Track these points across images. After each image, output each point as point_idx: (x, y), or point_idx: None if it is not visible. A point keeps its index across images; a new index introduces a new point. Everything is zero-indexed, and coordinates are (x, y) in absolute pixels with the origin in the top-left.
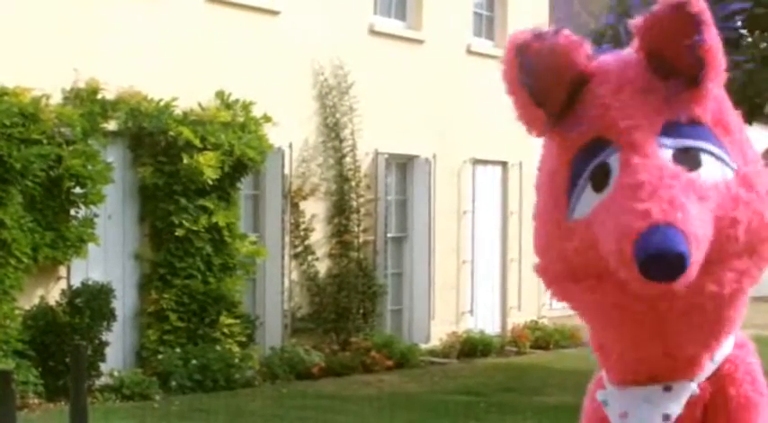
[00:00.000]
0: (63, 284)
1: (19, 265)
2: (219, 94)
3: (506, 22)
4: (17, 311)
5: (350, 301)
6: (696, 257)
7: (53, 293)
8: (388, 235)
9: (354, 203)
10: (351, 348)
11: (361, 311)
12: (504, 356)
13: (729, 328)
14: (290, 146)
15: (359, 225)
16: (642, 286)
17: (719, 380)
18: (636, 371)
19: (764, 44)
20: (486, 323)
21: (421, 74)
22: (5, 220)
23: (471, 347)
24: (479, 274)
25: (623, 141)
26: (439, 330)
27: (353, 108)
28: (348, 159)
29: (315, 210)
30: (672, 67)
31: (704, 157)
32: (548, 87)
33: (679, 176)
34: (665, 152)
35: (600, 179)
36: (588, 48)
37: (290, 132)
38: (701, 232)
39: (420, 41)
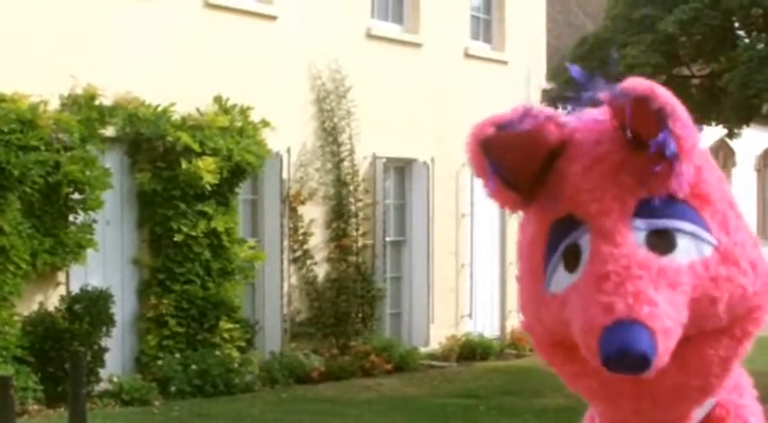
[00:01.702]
0: (62, 290)
1: (18, 272)
2: (217, 100)
3: (504, 24)
4: (16, 317)
5: (349, 306)
6: (665, 347)
7: (52, 299)
8: (387, 239)
9: (353, 207)
10: (350, 352)
11: (361, 315)
12: (504, 359)
13: (716, 390)
14: (288, 150)
15: (357, 229)
16: (611, 375)
17: None
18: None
19: (762, 45)
20: (486, 326)
21: (419, 77)
22: (4, 227)
23: (471, 351)
24: (478, 277)
25: (594, 225)
26: (438, 334)
27: (351, 112)
28: (346, 163)
29: (313, 214)
30: (644, 143)
31: (680, 238)
32: (518, 170)
33: (649, 266)
34: (637, 235)
35: (571, 259)
36: (558, 119)
37: (288, 137)
38: (670, 323)
39: (417, 45)
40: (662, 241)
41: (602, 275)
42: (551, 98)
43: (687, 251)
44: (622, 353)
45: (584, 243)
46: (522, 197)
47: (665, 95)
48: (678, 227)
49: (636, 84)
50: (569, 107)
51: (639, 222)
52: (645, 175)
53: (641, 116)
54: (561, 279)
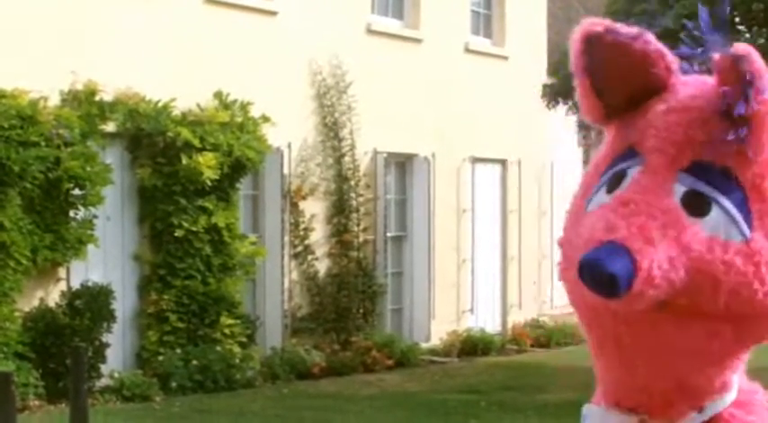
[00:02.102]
0: (62, 286)
1: (18, 267)
2: (218, 95)
3: (504, 20)
4: (17, 313)
5: (350, 301)
6: (642, 290)
7: (53, 295)
8: (388, 234)
9: (354, 203)
10: (351, 348)
11: (362, 311)
12: (505, 355)
13: (706, 382)
14: (289, 146)
15: (358, 224)
16: (585, 290)
17: None
18: (615, 395)
19: (762, 40)
20: (487, 322)
21: (419, 73)
22: (4, 223)
23: (472, 346)
24: (479, 272)
25: (647, 160)
26: (439, 329)
27: (352, 107)
28: (347, 159)
29: (314, 209)
30: (734, 113)
31: (714, 209)
32: (613, 84)
33: (669, 212)
34: (677, 188)
35: (614, 184)
36: (670, 60)
37: (289, 132)
38: (658, 272)
39: (418, 40)
40: (696, 203)
41: (624, 199)
42: (550, 94)
43: (714, 224)
44: (594, 266)
45: (631, 172)
46: (605, 111)
47: (759, 64)
48: (718, 199)
49: (739, 46)
50: (693, 57)
51: (686, 178)
52: (717, 140)
53: (732, 77)
54: (598, 200)
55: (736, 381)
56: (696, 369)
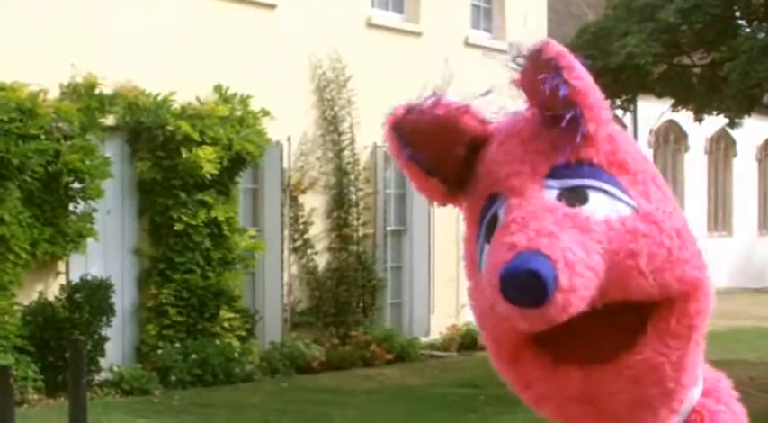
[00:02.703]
0: (62, 280)
1: (18, 261)
2: (217, 89)
3: (504, 13)
4: (16, 307)
5: (349, 295)
6: (571, 282)
7: (52, 289)
8: (388, 228)
9: (353, 197)
10: (351, 342)
11: (361, 305)
12: None
13: (681, 388)
14: (289, 139)
15: (358, 218)
16: (515, 316)
17: None
18: None
19: (762, 35)
20: None
21: (419, 66)
22: (4, 216)
23: (471, 340)
24: None
25: (507, 188)
26: (439, 324)
27: (352, 101)
28: (347, 153)
29: (314, 203)
30: (554, 116)
31: (592, 194)
32: (437, 157)
33: (555, 209)
34: (548, 193)
35: (491, 230)
36: (476, 113)
37: (289, 126)
38: (573, 257)
39: (418, 34)
40: (573, 197)
41: (508, 221)
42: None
43: (601, 206)
44: (514, 271)
45: (501, 210)
46: (446, 187)
47: (557, 48)
48: (591, 184)
49: (532, 43)
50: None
51: (552, 182)
52: (557, 143)
53: (538, 74)
54: (486, 251)
55: (700, 370)
56: (677, 388)
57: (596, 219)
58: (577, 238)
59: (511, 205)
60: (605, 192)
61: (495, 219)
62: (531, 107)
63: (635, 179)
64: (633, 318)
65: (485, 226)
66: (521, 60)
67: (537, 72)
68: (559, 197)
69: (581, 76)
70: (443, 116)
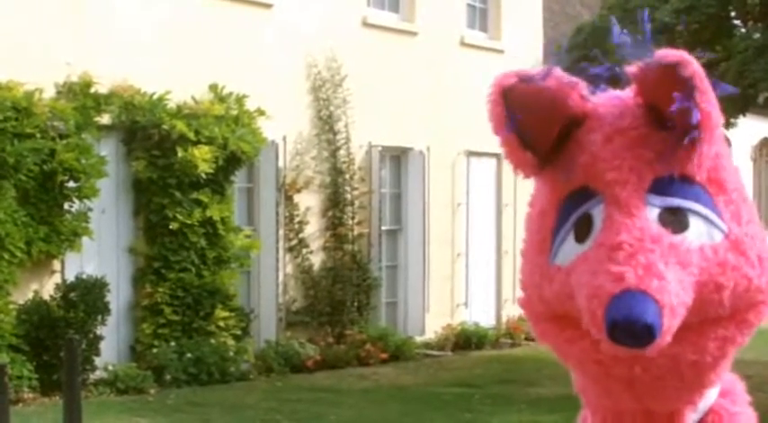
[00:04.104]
0: (57, 278)
1: (13, 260)
2: (213, 88)
3: (500, 13)
4: (11, 306)
5: (344, 294)
6: (669, 325)
7: (47, 287)
8: (383, 228)
9: (349, 196)
10: (346, 341)
11: (356, 304)
12: (499, 348)
13: (711, 385)
14: (284, 139)
15: (353, 218)
16: (611, 348)
17: None
18: (615, 421)
19: (758, 35)
20: (481, 315)
21: (415, 66)
22: None
23: (466, 340)
24: (474, 266)
25: (609, 195)
26: (434, 323)
27: (347, 100)
28: (342, 152)
29: (309, 202)
30: (667, 121)
31: (692, 219)
32: (536, 131)
33: (661, 240)
34: (651, 211)
35: (582, 230)
36: (582, 88)
37: (284, 125)
38: (677, 300)
39: (413, 33)
40: (675, 219)
41: (614, 245)
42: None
43: (699, 233)
44: (629, 321)
45: (597, 213)
46: (537, 161)
47: (695, 66)
48: (692, 208)
49: (667, 52)
50: (598, 76)
51: (654, 198)
52: (665, 151)
53: (668, 85)
54: (569, 250)
55: None
56: (710, 377)
57: (693, 248)
58: (679, 277)
59: (615, 222)
60: (704, 217)
61: (588, 218)
62: (638, 97)
63: (730, 199)
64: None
65: (573, 221)
66: (647, 58)
67: (668, 84)
68: (661, 217)
69: (711, 101)
70: (553, 89)
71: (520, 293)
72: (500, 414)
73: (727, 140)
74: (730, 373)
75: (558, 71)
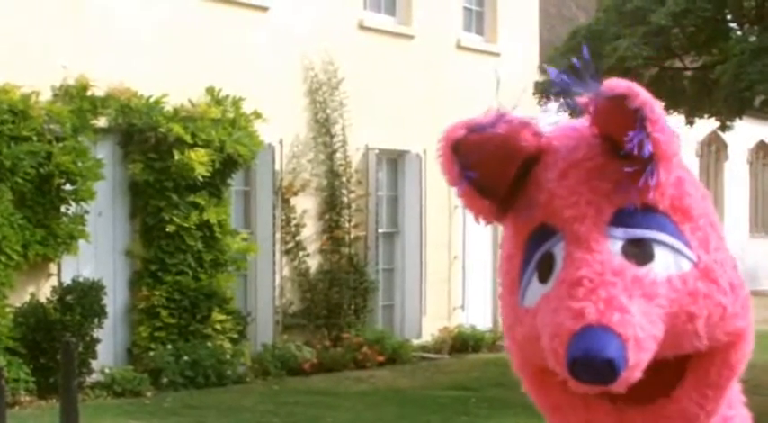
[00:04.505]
0: (54, 281)
1: (9, 263)
2: (210, 91)
3: (496, 16)
4: (8, 309)
5: (341, 297)
6: (636, 359)
7: (44, 290)
8: (380, 231)
9: (345, 199)
10: (342, 344)
11: (353, 307)
12: (496, 351)
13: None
14: (281, 142)
15: (350, 221)
16: (575, 386)
17: None
18: None
19: (754, 38)
20: (478, 318)
21: (411, 69)
22: None
23: (463, 343)
24: (471, 269)
25: (568, 232)
26: (430, 326)
27: (344, 104)
28: (339, 155)
29: (306, 205)
30: (623, 150)
31: (658, 250)
32: (492, 177)
33: (623, 273)
34: (613, 244)
35: (545, 269)
36: (535, 126)
37: (281, 128)
38: (643, 333)
39: (410, 37)
40: (639, 251)
41: (573, 281)
42: (541, 92)
43: (665, 264)
44: (589, 357)
45: (558, 251)
46: (496, 206)
47: (644, 96)
48: (657, 238)
49: (615, 83)
50: (555, 108)
51: (616, 231)
52: (623, 181)
53: (619, 117)
54: (535, 291)
55: None
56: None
57: (660, 279)
58: (645, 309)
59: (575, 258)
60: (670, 247)
61: (550, 257)
62: (593, 127)
63: (696, 225)
64: (673, 364)
65: (536, 261)
66: (596, 93)
67: (619, 114)
68: (624, 250)
69: (664, 129)
70: (504, 134)
71: (505, 340)
72: (496, 417)
73: (723, 143)
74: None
75: (509, 114)
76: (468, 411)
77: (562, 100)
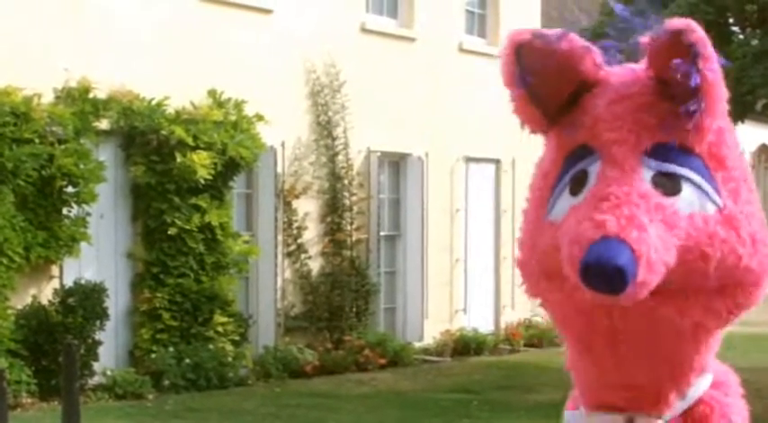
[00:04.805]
0: (55, 284)
1: (11, 265)
2: (212, 93)
3: (498, 19)
4: (10, 311)
5: (343, 300)
6: (645, 278)
7: (46, 293)
8: (381, 233)
9: (347, 202)
10: (344, 347)
11: (355, 310)
12: (498, 354)
13: (693, 365)
14: (283, 144)
15: (352, 223)
16: (586, 292)
17: (693, 422)
18: (600, 397)
19: (756, 41)
20: (480, 321)
21: (413, 72)
22: None
23: (465, 346)
24: (472, 272)
25: (606, 153)
26: (432, 329)
27: (346, 106)
28: (341, 157)
29: (307, 208)
30: (675, 93)
31: (685, 186)
32: (547, 89)
33: (648, 197)
34: (645, 172)
35: (577, 184)
36: (596, 55)
37: (283, 131)
38: (656, 255)
39: (412, 39)
40: (668, 184)
41: (602, 195)
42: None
43: (690, 201)
44: (601, 263)
45: (593, 169)
46: (545, 118)
47: (700, 33)
48: (688, 176)
49: (674, 21)
50: (612, 49)
51: (650, 161)
52: (668, 119)
53: (675, 55)
54: (564, 204)
55: (711, 361)
56: (690, 352)
57: (683, 213)
58: (662, 234)
59: (607, 176)
60: (698, 186)
61: (584, 174)
62: (649, 69)
63: (729, 176)
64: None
65: (570, 177)
66: (656, 29)
67: (672, 51)
68: (654, 180)
69: (714, 69)
70: (567, 51)
71: (518, 254)
72: (498, 420)
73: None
74: (722, 364)
75: (573, 35)
76: (469, 414)
77: (619, 41)
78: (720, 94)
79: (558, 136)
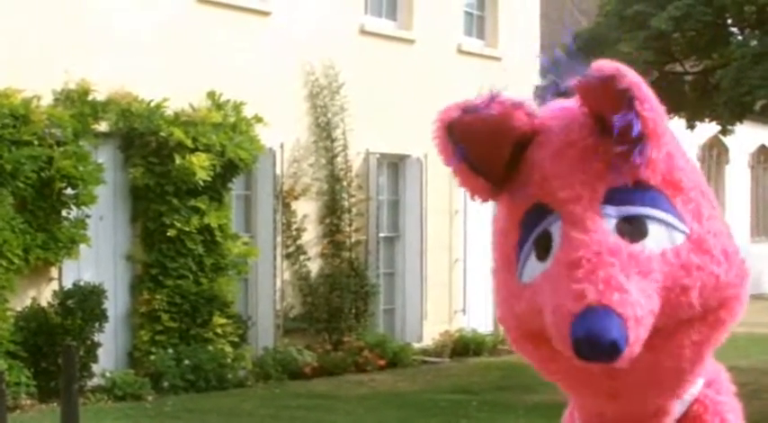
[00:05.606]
0: (55, 285)
1: (10, 267)
2: (211, 95)
3: (497, 21)
4: (9, 313)
5: (342, 301)
6: (636, 336)
7: (45, 294)
8: (380, 234)
9: (346, 203)
10: (343, 348)
11: (354, 311)
12: (497, 355)
13: (694, 379)
14: (282, 146)
15: (351, 225)
16: (581, 364)
17: (687, 421)
18: (600, 418)
19: (754, 42)
20: (479, 322)
21: (412, 73)
22: None
23: (464, 346)
24: (471, 273)
25: (564, 212)
26: (431, 329)
27: (345, 108)
28: (339, 159)
29: (306, 210)
30: (614, 129)
31: (651, 225)
32: (487, 157)
33: (620, 252)
34: (607, 222)
35: (543, 247)
36: (528, 106)
37: (282, 132)
38: (641, 311)
39: (411, 41)
40: (633, 228)
41: (572, 262)
42: (539, 95)
43: (659, 239)
44: (592, 339)
45: (555, 230)
46: (491, 185)
47: (631, 76)
48: (649, 214)
49: (602, 65)
50: (544, 96)
51: (610, 209)
52: (615, 161)
53: (608, 97)
54: (533, 268)
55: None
56: (688, 379)
57: (654, 254)
58: (641, 286)
59: (572, 239)
60: (662, 222)
61: (547, 236)
62: (583, 108)
63: (688, 197)
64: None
65: (533, 239)
66: (585, 75)
67: (609, 94)
68: (618, 227)
69: (653, 108)
70: (498, 114)
71: (497, 310)
72: (497, 421)
73: (724, 147)
74: (714, 362)
75: (502, 95)
76: (468, 415)
77: (552, 83)
78: (662, 127)
79: (510, 197)
